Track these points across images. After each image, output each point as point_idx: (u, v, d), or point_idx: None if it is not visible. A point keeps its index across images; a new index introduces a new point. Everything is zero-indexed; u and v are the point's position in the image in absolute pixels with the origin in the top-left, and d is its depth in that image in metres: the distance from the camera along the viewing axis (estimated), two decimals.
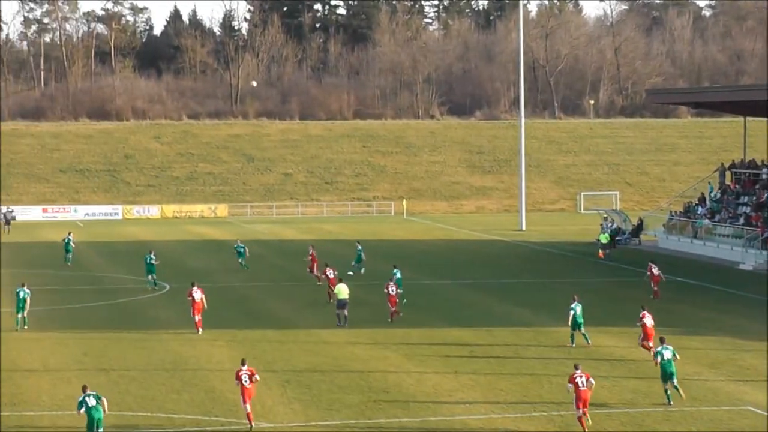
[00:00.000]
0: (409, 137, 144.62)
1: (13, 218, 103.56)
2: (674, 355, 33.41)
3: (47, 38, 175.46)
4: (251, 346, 42.59)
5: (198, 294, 45.93)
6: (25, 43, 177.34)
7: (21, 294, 46.71)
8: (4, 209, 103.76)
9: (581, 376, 30.86)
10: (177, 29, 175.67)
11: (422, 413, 32.44)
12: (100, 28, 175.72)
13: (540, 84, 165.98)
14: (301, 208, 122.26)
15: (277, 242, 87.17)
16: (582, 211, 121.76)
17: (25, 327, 46.57)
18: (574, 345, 41.88)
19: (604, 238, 75.86)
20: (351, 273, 61.87)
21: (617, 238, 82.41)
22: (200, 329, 45.29)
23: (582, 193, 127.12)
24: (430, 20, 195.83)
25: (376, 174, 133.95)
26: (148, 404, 33.50)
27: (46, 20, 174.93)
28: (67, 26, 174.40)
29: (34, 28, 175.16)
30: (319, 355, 40.78)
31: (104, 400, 29.45)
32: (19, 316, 46.63)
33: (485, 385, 35.92)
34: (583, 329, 42.12)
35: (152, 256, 59.81)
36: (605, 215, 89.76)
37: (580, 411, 30.50)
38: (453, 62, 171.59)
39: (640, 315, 40.12)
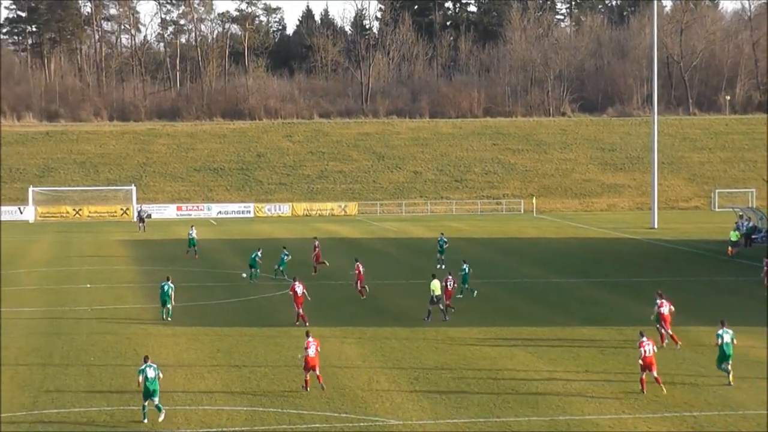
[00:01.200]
0: (540, 135, 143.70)
1: (149, 216, 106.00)
2: (732, 339, 35.51)
3: (183, 39, 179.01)
4: (380, 343, 42.77)
5: (300, 288, 47.20)
6: (161, 44, 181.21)
7: (165, 288, 48.66)
8: (139, 207, 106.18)
9: (648, 344, 34.06)
10: (309, 29, 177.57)
11: (551, 412, 32.17)
12: (234, 28, 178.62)
13: (674, 80, 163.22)
14: (430, 206, 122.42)
15: (406, 240, 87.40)
16: (716, 209, 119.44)
17: (169, 318, 48.28)
18: (665, 345, 41.54)
19: (734, 236, 74.46)
20: (439, 266, 63.25)
21: (753, 236, 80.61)
22: (307, 322, 46.32)
23: (716, 191, 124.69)
24: (561, 17, 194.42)
25: (506, 172, 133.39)
26: (279, 400, 33.87)
27: (182, 22, 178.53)
28: (203, 27, 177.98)
29: (170, 29, 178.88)
30: (447, 353, 40.74)
31: (161, 375, 32.10)
32: (165, 308, 48.56)
33: (616, 384, 35.45)
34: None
35: (259, 254, 61.87)
36: (741, 213, 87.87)
37: (643, 374, 33.79)
38: (585, 59, 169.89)
39: (658, 303, 41.30)
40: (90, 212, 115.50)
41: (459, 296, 52.87)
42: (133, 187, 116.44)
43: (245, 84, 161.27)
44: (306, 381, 34.67)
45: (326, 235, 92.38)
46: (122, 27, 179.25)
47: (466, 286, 54.37)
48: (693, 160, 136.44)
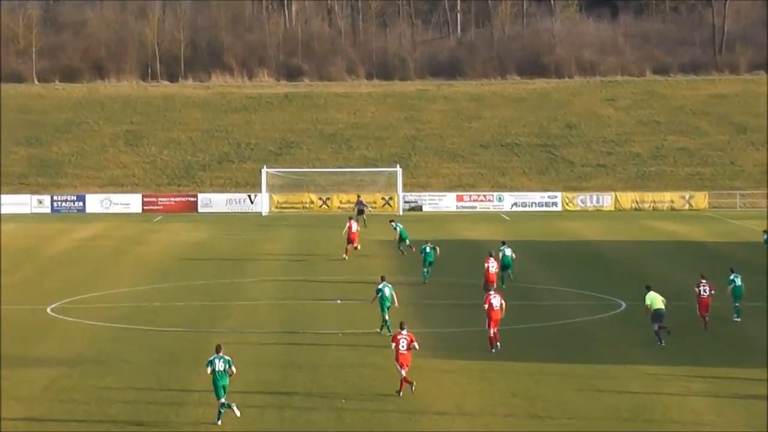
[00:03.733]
0: None
1: (420, 208, 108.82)
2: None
3: None
4: (729, 382, 41.76)
5: (496, 300, 48.48)
6: None
7: (387, 291, 51.21)
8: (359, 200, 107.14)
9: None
10: None
11: None
12: None
13: None
14: None
15: None
16: None
17: (388, 330, 50.29)
18: None
19: None
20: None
21: None
22: (497, 342, 48.60)
23: None
24: None
25: None
26: None
27: None
28: None
29: None
30: None
31: (233, 368, 36.90)
32: (386, 316, 51.13)
33: None
34: None
35: (428, 247, 67.51)
36: None
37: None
38: None
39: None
40: (341, 202, 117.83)
41: (735, 319, 54.72)
42: (399, 169, 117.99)
43: (550, 29, 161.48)
44: (403, 379, 40.34)
45: (664, 237, 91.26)
46: None
47: (737, 304, 55.13)
48: None
